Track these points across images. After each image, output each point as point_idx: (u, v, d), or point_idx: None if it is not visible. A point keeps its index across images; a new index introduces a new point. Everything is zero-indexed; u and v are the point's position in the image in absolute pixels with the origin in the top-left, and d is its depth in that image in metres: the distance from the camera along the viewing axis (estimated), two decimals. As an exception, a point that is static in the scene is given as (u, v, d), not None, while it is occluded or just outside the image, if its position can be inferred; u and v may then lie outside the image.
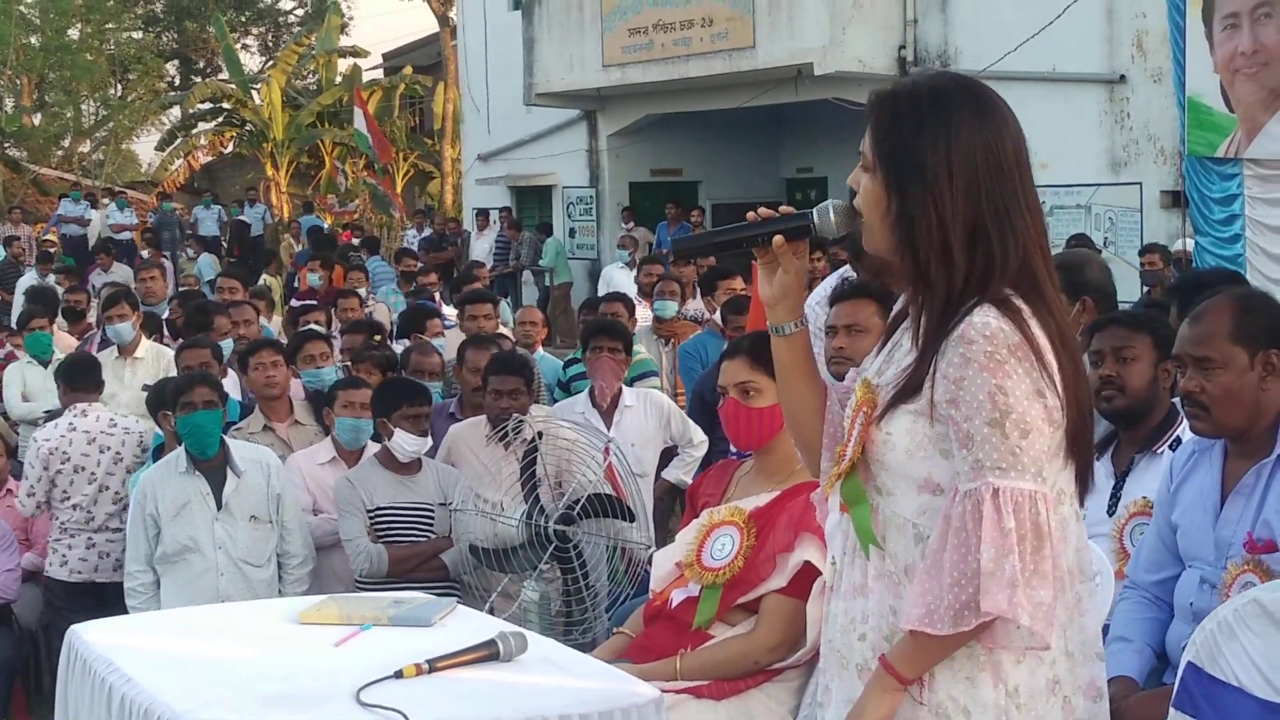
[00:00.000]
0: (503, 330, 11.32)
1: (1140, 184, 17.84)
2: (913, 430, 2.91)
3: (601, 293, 15.32)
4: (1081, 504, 2.99)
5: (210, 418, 7.00)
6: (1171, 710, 3.65)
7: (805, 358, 3.19)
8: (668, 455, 8.44)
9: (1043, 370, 2.84)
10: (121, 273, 21.35)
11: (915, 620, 2.83)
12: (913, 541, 2.94)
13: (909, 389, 2.91)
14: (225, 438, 7.14)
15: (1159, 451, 4.99)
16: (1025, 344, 2.84)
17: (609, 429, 7.96)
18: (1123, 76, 17.95)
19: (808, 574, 4.59)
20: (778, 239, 3.05)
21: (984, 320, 2.83)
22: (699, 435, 8.18)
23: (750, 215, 3.08)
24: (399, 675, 3.68)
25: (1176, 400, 5.12)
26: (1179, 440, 4.92)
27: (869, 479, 2.98)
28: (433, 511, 7.05)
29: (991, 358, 2.81)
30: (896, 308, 3.17)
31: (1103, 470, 5.07)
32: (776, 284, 3.11)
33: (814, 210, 3.06)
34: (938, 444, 2.90)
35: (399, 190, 35.26)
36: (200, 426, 6.95)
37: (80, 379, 8.50)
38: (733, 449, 5.73)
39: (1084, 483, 2.98)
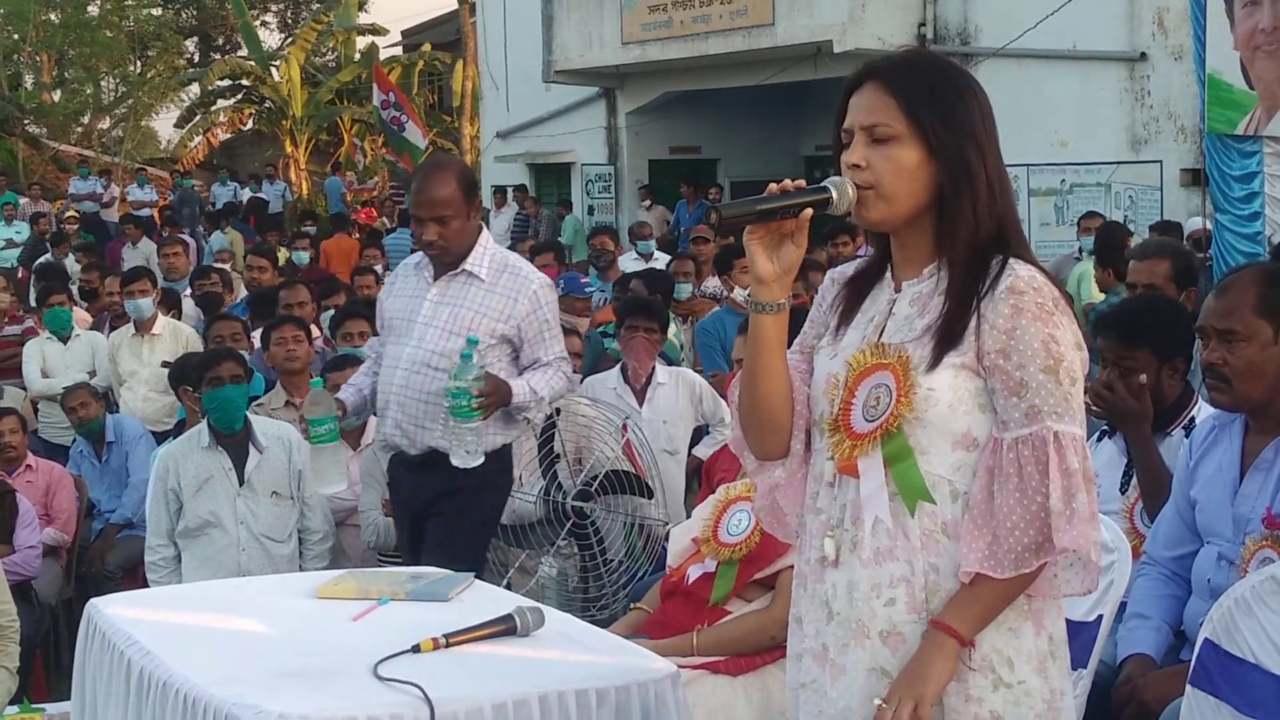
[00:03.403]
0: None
1: (1160, 162, 17.79)
2: (955, 384, 2.93)
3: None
4: None
5: (237, 392, 7.02)
6: (1188, 687, 3.66)
7: (785, 334, 3.19)
8: (698, 434, 8.42)
9: (1076, 324, 2.94)
10: (146, 248, 21.38)
11: (975, 564, 2.87)
12: (949, 499, 2.95)
13: (950, 339, 2.94)
14: (247, 413, 7.15)
15: (1171, 432, 4.99)
16: (1063, 298, 2.94)
17: (641, 406, 7.96)
18: (1143, 54, 17.89)
19: (825, 550, 4.59)
20: (807, 211, 3.05)
21: (1030, 274, 2.91)
22: (729, 414, 8.13)
23: (773, 187, 3.08)
24: (416, 650, 3.69)
25: (1190, 380, 5.12)
26: (1193, 421, 4.91)
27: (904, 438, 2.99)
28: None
29: (1042, 308, 2.88)
30: (835, 286, 3.24)
31: (1116, 448, 5.07)
32: (784, 259, 3.08)
33: (829, 184, 3.04)
34: (977, 398, 2.94)
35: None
36: (228, 401, 6.97)
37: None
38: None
39: None
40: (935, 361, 2.94)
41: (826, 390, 3.09)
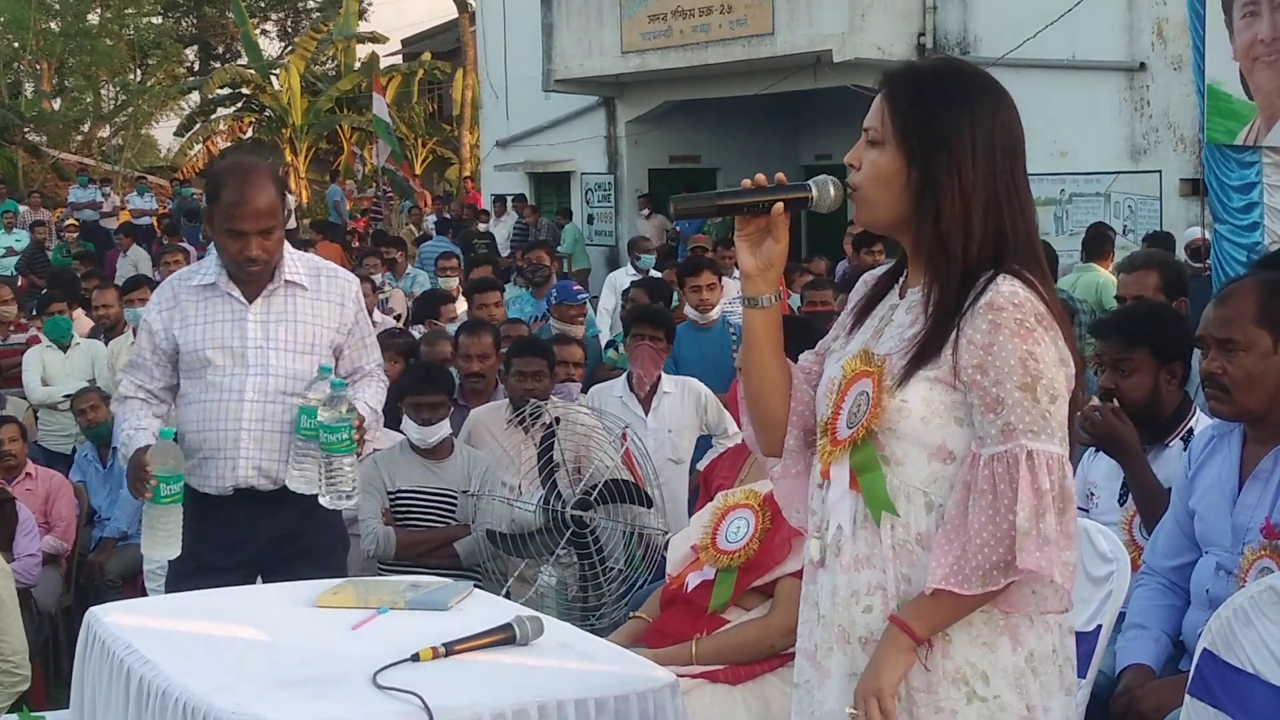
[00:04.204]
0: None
1: (1160, 172, 17.78)
2: (929, 397, 2.94)
3: (605, 297, 15.06)
4: None
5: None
6: (1187, 697, 3.66)
7: (778, 332, 3.23)
8: (703, 445, 8.40)
9: (1063, 340, 2.92)
10: (136, 255, 21.43)
11: (940, 579, 2.86)
12: (924, 510, 2.97)
13: (924, 355, 2.95)
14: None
15: (1169, 443, 4.99)
16: (1049, 314, 2.91)
17: (647, 415, 7.96)
18: (1142, 64, 17.89)
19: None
20: (778, 206, 3.08)
21: (1012, 289, 2.89)
22: (733, 426, 8.13)
23: (746, 182, 3.11)
24: (416, 658, 3.69)
25: (1189, 390, 5.12)
26: (1191, 432, 4.91)
27: (876, 449, 3.00)
28: (456, 498, 7.04)
29: (1021, 324, 2.87)
30: (862, 290, 3.24)
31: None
32: (764, 254, 3.15)
33: (812, 182, 3.08)
34: (953, 411, 2.94)
35: (418, 175, 35.29)
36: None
37: None
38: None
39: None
40: (906, 376, 2.95)
41: (826, 393, 3.12)
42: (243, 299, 5.32)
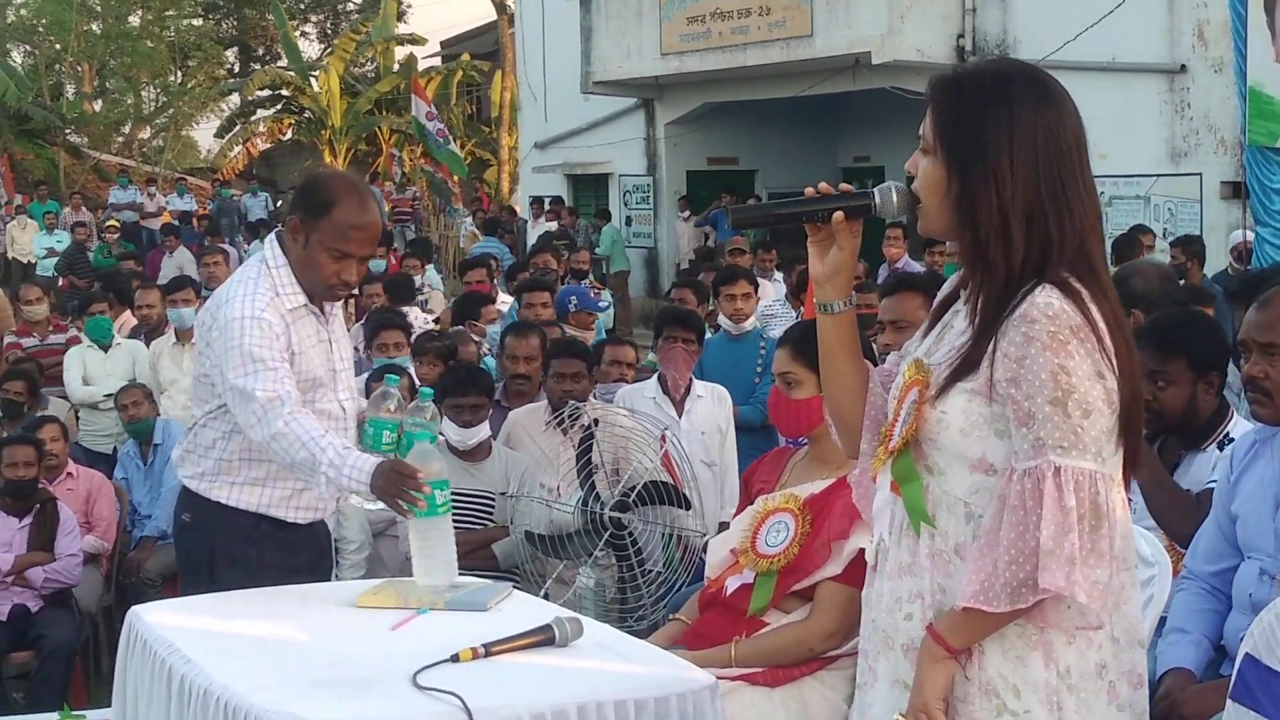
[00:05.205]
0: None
1: (1200, 174, 17.71)
2: (968, 409, 2.92)
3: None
4: (1127, 488, 2.99)
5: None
6: (1229, 702, 3.64)
7: (851, 338, 3.22)
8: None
9: (1102, 352, 2.86)
10: (181, 256, 21.51)
11: (969, 598, 2.85)
12: (963, 520, 2.96)
13: (965, 367, 2.93)
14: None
15: (1206, 448, 4.96)
16: (1086, 325, 2.85)
17: (680, 418, 7.95)
18: (1183, 66, 17.82)
19: (863, 561, 4.57)
20: (838, 215, 3.07)
21: (1047, 300, 2.85)
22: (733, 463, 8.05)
23: (809, 191, 3.10)
24: (455, 659, 3.69)
25: (1226, 394, 5.09)
26: (1229, 437, 4.88)
27: (920, 458, 3.00)
28: (495, 500, 7.04)
29: (1055, 337, 2.83)
30: (943, 291, 3.21)
31: (1151, 465, 5.05)
32: (829, 262, 3.14)
33: (875, 190, 3.08)
34: (993, 424, 2.92)
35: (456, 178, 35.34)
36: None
37: None
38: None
39: (1132, 467, 2.98)
40: (946, 387, 2.95)
41: (891, 398, 3.13)
42: (318, 317, 5.03)
